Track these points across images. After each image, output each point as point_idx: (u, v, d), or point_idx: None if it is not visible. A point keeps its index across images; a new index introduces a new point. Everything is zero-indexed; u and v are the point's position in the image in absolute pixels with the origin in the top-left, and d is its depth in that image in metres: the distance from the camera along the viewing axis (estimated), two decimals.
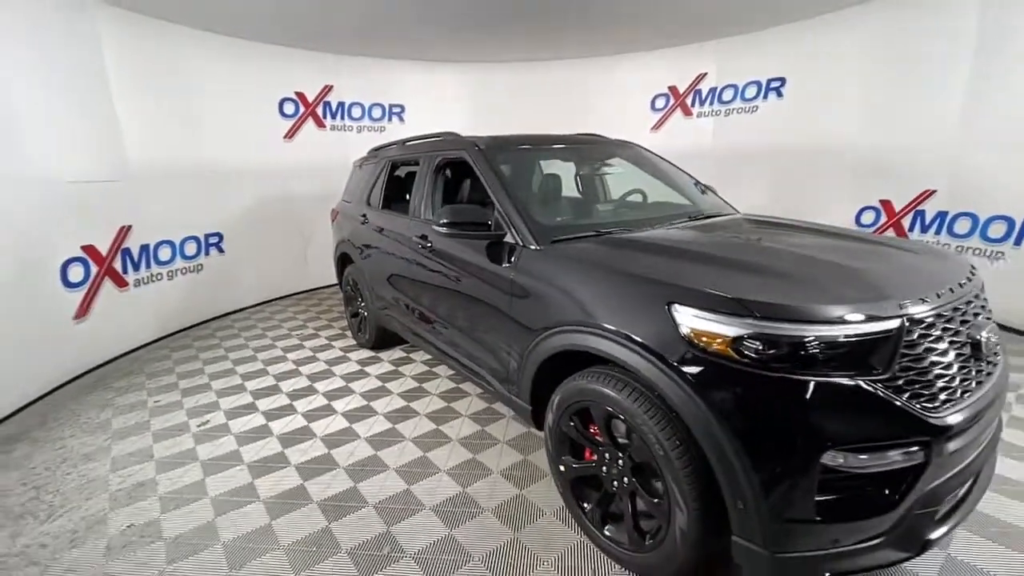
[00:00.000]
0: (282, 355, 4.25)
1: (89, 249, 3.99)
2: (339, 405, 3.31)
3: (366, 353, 4.20)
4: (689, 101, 6.72)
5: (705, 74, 6.53)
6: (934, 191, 4.69)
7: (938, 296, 1.57)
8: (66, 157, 3.80)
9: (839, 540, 1.42)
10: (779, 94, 5.91)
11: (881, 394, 1.39)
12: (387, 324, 3.80)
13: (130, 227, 4.37)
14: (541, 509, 2.24)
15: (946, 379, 1.49)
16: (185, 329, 5.01)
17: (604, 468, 1.91)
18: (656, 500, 1.70)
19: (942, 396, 1.47)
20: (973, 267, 1.92)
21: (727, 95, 6.36)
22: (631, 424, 1.69)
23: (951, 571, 1.83)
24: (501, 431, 2.91)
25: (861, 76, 5.12)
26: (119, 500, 2.42)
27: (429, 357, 3.99)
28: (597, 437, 1.92)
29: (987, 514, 2.10)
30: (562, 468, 2.08)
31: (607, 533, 1.92)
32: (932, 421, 1.41)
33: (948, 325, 1.55)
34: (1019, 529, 2.01)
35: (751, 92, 6.14)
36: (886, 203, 5.08)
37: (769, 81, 5.97)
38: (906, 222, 4.93)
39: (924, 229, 4.80)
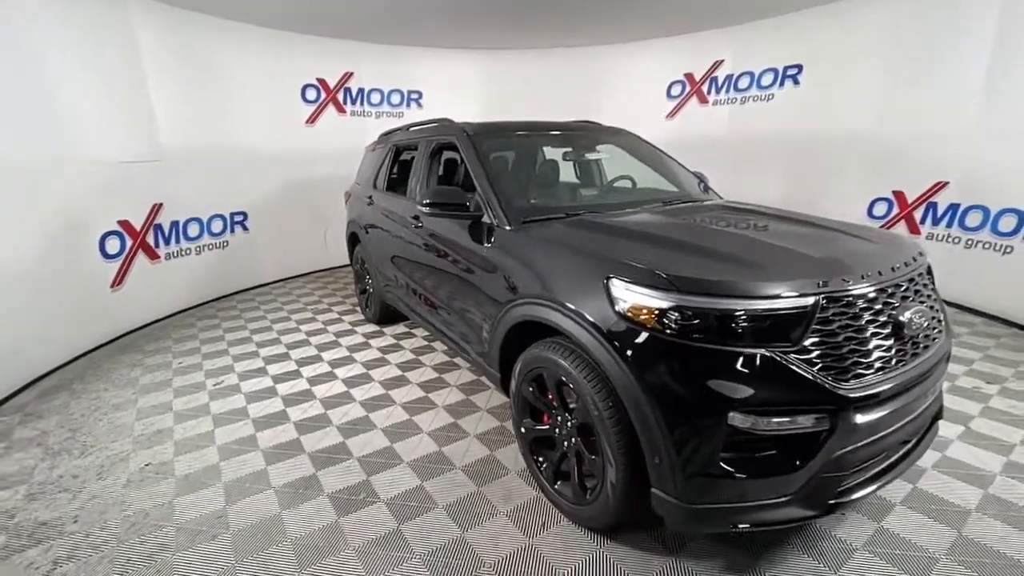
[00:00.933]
0: (295, 327, 4.56)
1: (124, 224, 4.37)
2: (341, 372, 3.58)
3: (372, 328, 4.47)
4: (705, 89, 6.66)
5: (722, 61, 6.46)
6: (947, 183, 4.59)
7: (863, 278, 1.66)
8: (104, 139, 4.17)
9: (746, 495, 1.57)
10: (795, 82, 5.82)
11: (790, 365, 1.51)
12: (390, 301, 4.04)
13: (161, 205, 4.74)
14: (507, 468, 2.44)
15: (859, 355, 1.60)
16: (211, 301, 5.40)
17: (557, 430, 2.09)
18: (594, 457, 1.87)
19: (854, 370, 1.58)
20: (921, 253, 1.99)
21: (743, 83, 6.29)
22: (575, 388, 1.86)
23: (880, 540, 1.93)
24: (485, 400, 3.11)
25: (877, 64, 5.00)
26: (140, 443, 2.75)
27: (428, 333, 4.22)
28: (552, 401, 2.09)
29: (931, 493, 2.18)
30: (523, 430, 2.27)
31: (557, 488, 2.10)
32: (839, 392, 1.53)
33: (869, 305, 1.65)
34: (957, 508, 2.09)
35: (767, 80, 6.05)
36: (899, 194, 4.99)
37: (786, 69, 5.88)
38: (918, 214, 4.84)
39: (936, 221, 4.70)
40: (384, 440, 2.72)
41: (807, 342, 1.55)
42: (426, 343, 4.04)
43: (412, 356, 3.81)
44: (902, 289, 1.76)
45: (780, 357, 1.52)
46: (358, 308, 4.95)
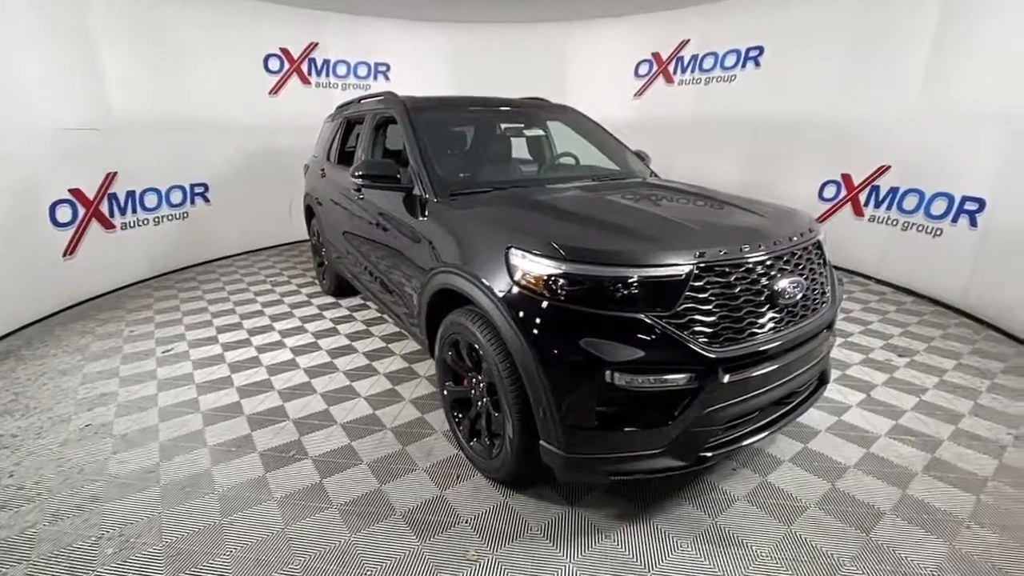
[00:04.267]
0: (252, 298, 4.62)
1: (76, 192, 4.35)
2: (290, 341, 3.67)
3: (329, 300, 4.54)
4: (671, 68, 6.71)
5: (688, 41, 6.51)
6: (889, 167, 4.76)
7: (741, 249, 1.79)
8: (51, 105, 4.11)
9: (622, 446, 1.72)
10: (757, 64, 5.91)
11: (662, 329, 1.65)
12: (341, 273, 4.12)
13: (116, 174, 4.71)
14: (434, 429, 2.58)
15: (731, 320, 1.74)
16: (170, 272, 5.41)
17: (472, 391, 2.22)
18: (497, 415, 2.00)
19: (725, 335, 1.72)
20: (811, 228, 2.12)
21: (708, 63, 6.35)
22: (481, 351, 1.98)
23: (761, 492, 2.12)
24: (425, 368, 3.23)
25: (831, 48, 5.11)
26: (82, 406, 2.83)
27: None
28: (467, 364, 2.21)
29: (818, 452, 2.37)
30: (445, 392, 2.40)
31: (472, 445, 2.25)
32: (709, 355, 1.67)
33: (745, 274, 1.78)
34: (838, 465, 2.28)
35: (730, 61, 6.13)
36: (847, 177, 5.16)
37: (748, 50, 5.95)
38: (863, 196, 5.02)
39: (878, 204, 4.89)
40: (322, 404, 2.84)
41: (681, 307, 1.68)
42: (378, 315, 4.14)
43: (363, 327, 3.91)
44: (782, 260, 1.89)
45: (654, 321, 1.65)
46: (316, 280, 5.01)
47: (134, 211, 4.96)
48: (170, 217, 5.36)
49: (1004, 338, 3.68)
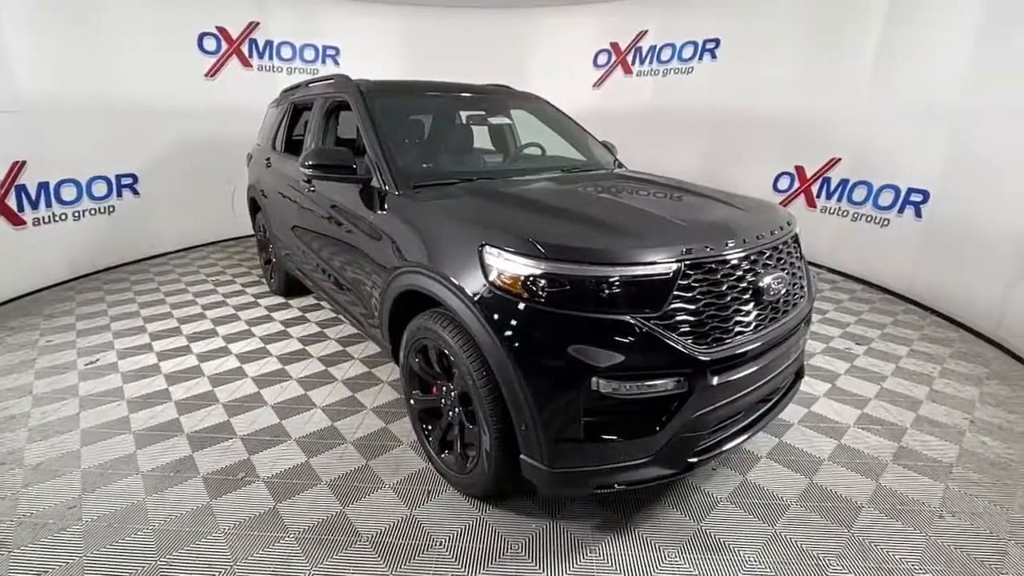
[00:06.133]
0: (192, 299, 4.23)
1: None
2: (235, 347, 3.36)
3: (278, 300, 4.22)
4: (630, 59, 6.68)
5: (646, 31, 6.48)
6: (840, 159, 4.91)
7: (727, 245, 1.71)
8: None
9: (609, 458, 1.61)
10: (713, 56, 5.95)
11: (650, 331, 1.54)
12: (291, 271, 3.82)
13: (24, 163, 4.16)
14: (400, 440, 2.40)
15: (719, 319, 1.66)
16: (97, 272, 4.89)
17: (443, 400, 2.05)
18: (472, 427, 1.85)
19: (713, 335, 1.64)
20: (789, 222, 2.08)
21: (666, 54, 6.35)
22: (453, 358, 1.82)
23: (743, 491, 2.08)
24: (387, 372, 3.02)
25: (785, 41, 5.20)
26: None
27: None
28: (437, 372, 2.04)
29: (793, 445, 2.37)
30: (412, 401, 2.22)
31: (443, 458, 2.09)
32: (698, 356, 1.58)
33: (731, 271, 1.71)
34: (813, 459, 2.28)
35: (688, 52, 6.15)
36: (800, 169, 5.28)
37: (705, 42, 5.98)
38: (816, 188, 5.16)
39: (829, 195, 5.03)
40: (273, 417, 2.58)
41: (669, 308, 1.58)
42: (334, 315, 3.87)
43: (317, 329, 3.64)
44: (765, 256, 1.83)
45: (642, 324, 1.54)
46: (264, 279, 4.65)
47: (48, 205, 4.42)
48: (93, 211, 4.82)
49: (947, 323, 3.86)
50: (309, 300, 4.17)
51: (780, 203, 5.38)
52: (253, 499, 2.02)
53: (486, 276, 1.66)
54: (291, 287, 4.12)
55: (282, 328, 3.66)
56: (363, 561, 1.74)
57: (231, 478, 2.14)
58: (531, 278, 1.56)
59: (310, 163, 2.33)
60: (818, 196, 5.14)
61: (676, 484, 2.10)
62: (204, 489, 2.08)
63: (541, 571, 1.70)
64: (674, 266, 1.59)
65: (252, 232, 4.87)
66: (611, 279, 1.54)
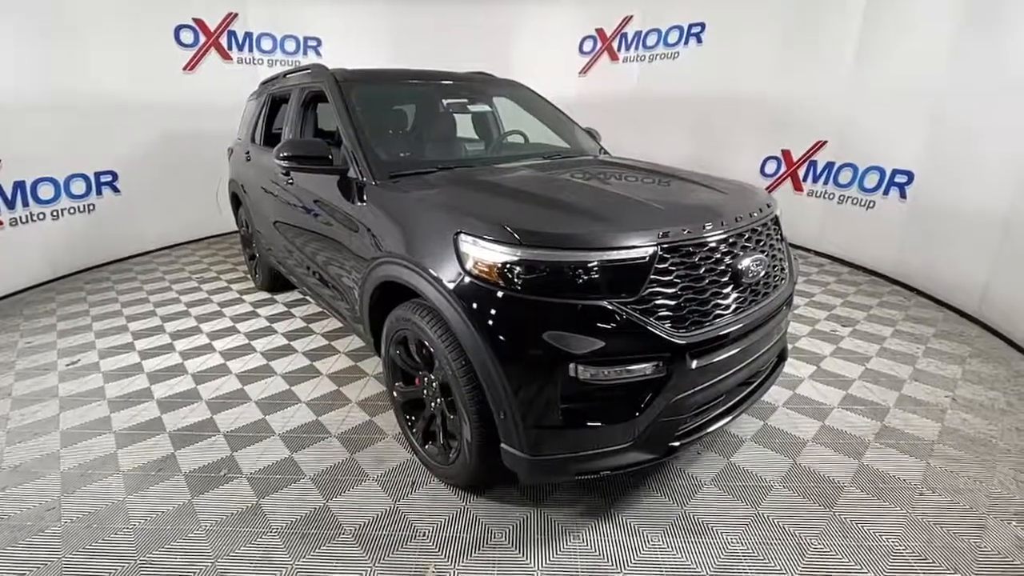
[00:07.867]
0: (176, 297, 4.18)
1: None
2: (219, 344, 3.32)
3: (263, 296, 4.18)
4: (616, 45, 6.62)
5: (631, 17, 6.42)
6: (825, 142, 4.90)
7: (704, 228, 1.70)
8: None
9: (589, 444, 1.60)
10: (699, 40, 5.90)
11: (627, 315, 1.53)
12: (275, 266, 3.77)
13: None
14: (385, 433, 2.38)
15: (697, 303, 1.64)
16: (78, 272, 4.82)
17: (425, 391, 2.04)
18: (452, 416, 1.84)
19: (692, 318, 1.63)
20: (768, 204, 2.06)
21: (651, 40, 6.30)
22: (432, 348, 1.80)
23: (727, 474, 2.08)
24: (373, 366, 3.00)
25: (771, 24, 5.16)
26: None
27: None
28: (418, 363, 2.02)
29: (778, 428, 2.38)
30: (395, 394, 2.20)
31: (426, 449, 2.08)
32: (676, 340, 1.57)
33: (709, 254, 1.69)
34: (797, 440, 2.29)
35: (673, 37, 6.10)
36: (786, 152, 5.27)
37: (690, 26, 5.93)
38: (802, 171, 5.15)
39: (816, 179, 5.03)
40: (257, 413, 2.56)
41: (646, 292, 1.56)
42: (319, 310, 3.83)
43: (302, 324, 3.61)
44: (744, 238, 1.82)
45: (619, 308, 1.52)
46: (249, 275, 4.60)
47: (25, 204, 4.34)
48: (72, 210, 4.74)
49: (932, 303, 3.89)
50: (294, 295, 4.13)
51: (767, 188, 5.38)
52: (236, 495, 2.00)
53: (462, 265, 1.64)
54: (276, 282, 4.08)
55: (267, 324, 3.62)
56: (346, 554, 1.73)
57: (214, 475, 2.12)
58: (507, 265, 1.54)
59: (285, 155, 2.28)
60: (804, 180, 5.14)
61: (660, 468, 2.10)
62: (186, 487, 2.06)
63: (524, 558, 1.70)
64: (651, 250, 1.57)
65: (236, 228, 4.81)
66: (587, 264, 1.52)
